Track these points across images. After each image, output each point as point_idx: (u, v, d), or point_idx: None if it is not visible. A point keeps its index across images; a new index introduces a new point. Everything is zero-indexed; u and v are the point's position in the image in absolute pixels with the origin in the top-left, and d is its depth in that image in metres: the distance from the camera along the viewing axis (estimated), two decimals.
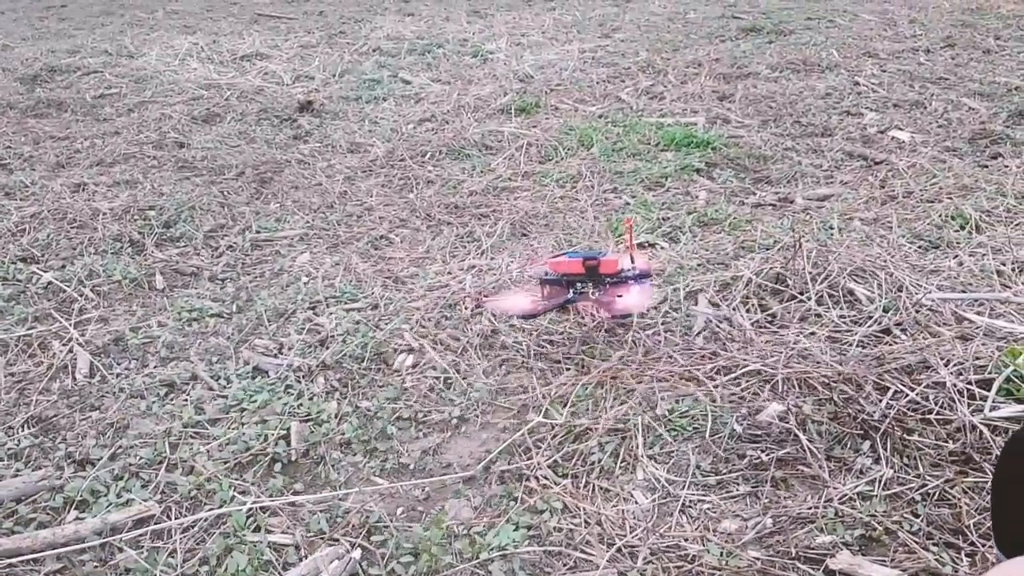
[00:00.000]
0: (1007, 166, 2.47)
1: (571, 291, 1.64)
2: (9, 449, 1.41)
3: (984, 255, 1.87)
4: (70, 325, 1.84)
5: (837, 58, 3.93)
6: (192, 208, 2.44)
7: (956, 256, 1.89)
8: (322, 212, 2.47)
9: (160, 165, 2.89)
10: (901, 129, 2.92)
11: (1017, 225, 2.07)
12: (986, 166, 2.53)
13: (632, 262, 1.61)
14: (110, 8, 6.70)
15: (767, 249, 1.99)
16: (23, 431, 1.47)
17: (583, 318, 1.75)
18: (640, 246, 2.07)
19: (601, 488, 1.29)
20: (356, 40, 4.85)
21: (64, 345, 1.77)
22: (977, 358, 1.44)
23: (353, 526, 1.22)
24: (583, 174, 2.66)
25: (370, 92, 3.73)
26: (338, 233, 2.33)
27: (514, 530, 1.19)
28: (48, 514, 1.25)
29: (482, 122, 3.27)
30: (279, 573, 1.14)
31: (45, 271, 2.09)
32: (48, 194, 2.58)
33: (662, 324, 1.71)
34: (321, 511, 1.25)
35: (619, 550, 1.17)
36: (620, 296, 1.60)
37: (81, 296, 1.97)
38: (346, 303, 1.89)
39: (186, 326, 1.83)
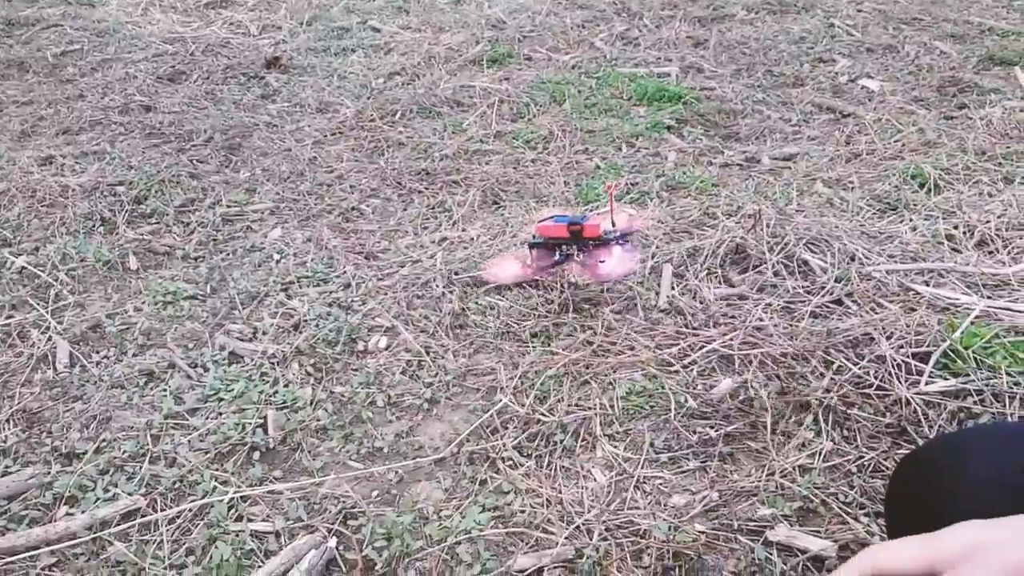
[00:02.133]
0: (971, 118, 2.49)
1: (557, 253, 1.73)
2: None
3: (938, 219, 1.93)
4: (47, 313, 1.87)
5: None
6: (162, 182, 2.44)
7: (911, 220, 1.94)
8: (292, 181, 2.48)
9: (128, 132, 2.86)
10: (871, 77, 2.92)
11: (975, 183, 2.12)
12: (952, 117, 2.56)
13: (613, 225, 1.68)
14: None
15: (730, 216, 2.04)
16: (10, 427, 1.53)
17: (551, 295, 1.81)
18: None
19: (563, 468, 1.37)
20: None
21: (43, 334, 1.81)
22: (919, 331, 1.51)
23: (330, 512, 1.30)
24: (555, 134, 2.66)
25: (339, 43, 3.66)
26: (309, 204, 2.35)
27: (480, 512, 1.28)
28: (39, 510, 1.32)
29: (454, 74, 3.23)
30: (261, 561, 1.22)
31: (18, 255, 2.11)
32: (15, 169, 2.56)
33: (626, 299, 1.77)
34: (299, 498, 1.33)
35: (577, 528, 1.26)
36: (603, 261, 1.68)
37: (56, 281, 1.99)
38: (318, 283, 1.93)
39: (161, 310, 1.87)
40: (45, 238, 2.19)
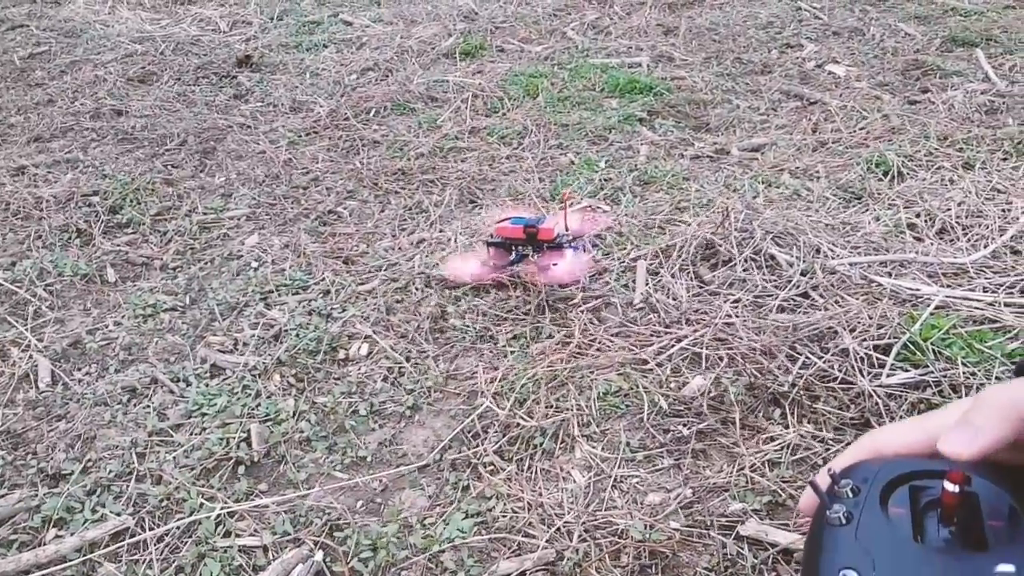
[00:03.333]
0: (933, 103, 2.54)
1: (513, 253, 1.81)
2: None
3: (900, 208, 1.97)
4: (27, 330, 1.88)
5: None
6: (137, 190, 2.43)
7: (874, 210, 1.99)
8: (267, 185, 2.48)
9: (100, 138, 2.84)
10: (838, 62, 2.96)
11: (936, 170, 2.16)
12: (916, 102, 2.60)
13: (567, 229, 1.76)
14: None
15: (700, 211, 2.07)
16: None
17: (529, 296, 1.84)
18: (588, 208, 2.15)
19: (543, 470, 1.41)
20: None
21: (23, 352, 1.81)
22: (881, 323, 1.56)
23: (316, 525, 1.33)
24: (529, 128, 2.68)
25: (310, 38, 3.63)
26: (285, 208, 2.35)
27: (463, 519, 1.31)
28: (29, 534, 1.34)
29: (427, 68, 3.23)
30: None
31: None
32: None
33: (601, 298, 1.80)
34: (285, 512, 1.36)
35: (558, 530, 1.30)
36: (555, 264, 1.77)
37: (35, 297, 1.99)
38: (297, 291, 1.95)
39: (142, 324, 1.88)
40: (21, 252, 2.19)
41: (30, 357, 1.79)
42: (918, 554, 0.32)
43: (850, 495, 0.35)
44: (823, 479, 0.36)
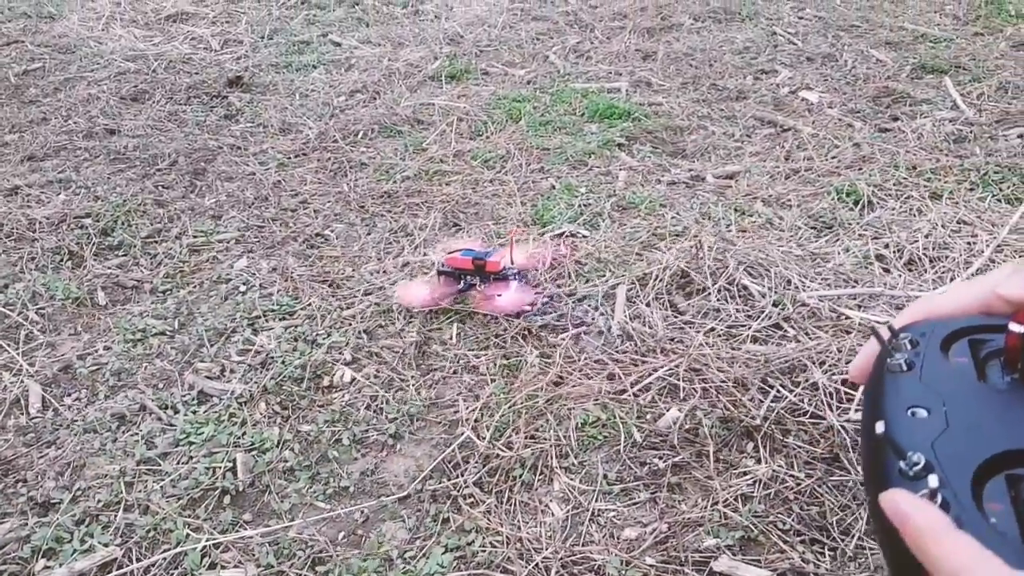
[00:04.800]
0: (903, 131, 2.61)
1: (461, 283, 1.95)
2: None
3: (869, 239, 2.03)
4: (18, 354, 1.91)
5: (758, 3, 3.97)
6: (129, 212, 2.47)
7: (843, 242, 2.05)
8: (257, 207, 2.52)
9: (92, 157, 2.88)
10: (811, 89, 3.02)
11: (905, 199, 2.22)
12: (886, 130, 2.67)
13: (512, 263, 1.92)
14: None
15: (677, 236, 2.13)
16: None
17: (507, 326, 1.88)
18: (557, 236, 2.21)
19: (522, 503, 1.46)
20: None
21: (14, 376, 1.85)
22: (849, 357, 1.61)
23: (299, 558, 1.37)
24: (511, 152, 2.73)
25: (300, 58, 3.68)
26: (274, 231, 2.40)
27: (443, 553, 1.36)
28: (18, 564, 1.38)
29: (414, 91, 3.28)
30: None
31: None
32: None
33: (580, 326, 1.85)
34: (269, 543, 1.40)
35: (536, 566, 1.34)
36: (499, 295, 1.90)
37: (27, 321, 2.03)
38: (283, 316, 1.99)
39: (131, 349, 1.92)
40: (14, 275, 2.22)
41: (21, 382, 1.83)
42: (985, 393, 0.32)
43: (909, 346, 0.35)
44: (883, 332, 0.36)
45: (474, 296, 1.96)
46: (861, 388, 1.50)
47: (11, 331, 2.01)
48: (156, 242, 2.37)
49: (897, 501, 0.29)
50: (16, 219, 2.45)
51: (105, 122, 3.14)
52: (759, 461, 1.48)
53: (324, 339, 1.89)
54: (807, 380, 1.58)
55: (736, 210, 2.23)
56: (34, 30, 4.25)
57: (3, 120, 3.22)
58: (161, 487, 1.51)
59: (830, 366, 1.60)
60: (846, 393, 1.55)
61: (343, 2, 4.41)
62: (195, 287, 2.16)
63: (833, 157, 2.47)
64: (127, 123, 3.13)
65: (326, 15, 4.25)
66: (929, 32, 3.43)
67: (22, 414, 1.74)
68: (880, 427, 0.32)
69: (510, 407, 1.64)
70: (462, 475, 1.50)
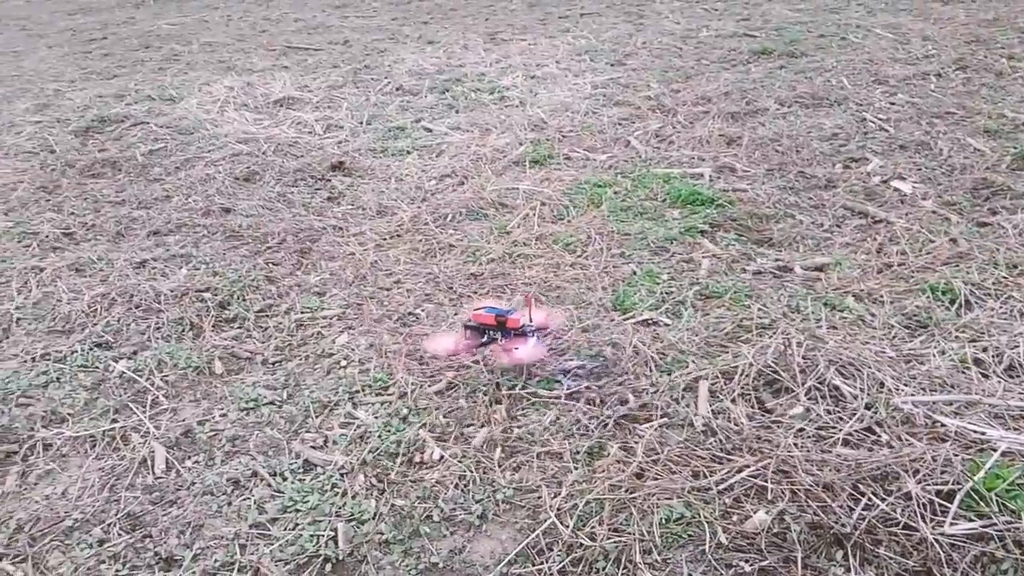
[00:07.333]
0: (1003, 227, 2.59)
1: (485, 336, 2.13)
2: (109, 551, 1.70)
3: (967, 341, 2.03)
4: (146, 418, 2.12)
5: (847, 87, 4.04)
6: (243, 287, 2.72)
7: (939, 344, 2.04)
8: (356, 286, 2.73)
9: (210, 234, 3.17)
10: (904, 179, 3.05)
11: (1006, 300, 2.21)
12: (985, 224, 2.66)
13: (531, 321, 2.11)
14: (147, 41, 7.00)
15: (764, 328, 2.18)
16: (115, 530, 1.76)
17: (592, 413, 1.98)
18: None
19: None
20: (380, 77, 5.07)
21: (142, 438, 2.05)
22: (944, 467, 1.62)
23: None
24: (592, 237, 2.87)
25: (395, 143, 3.96)
26: (371, 309, 2.58)
27: None
28: None
29: (499, 175, 3.49)
30: None
31: (118, 359, 2.38)
32: (114, 272, 2.88)
33: (664, 419, 1.93)
34: None
35: None
36: (517, 348, 2.08)
37: (153, 387, 2.25)
38: (379, 392, 2.15)
39: (245, 416, 2.11)
40: (142, 343, 2.47)
41: (148, 444, 2.03)
42: None
43: None
44: None
45: (495, 349, 2.14)
46: (956, 500, 1.49)
47: (140, 396, 2.24)
48: (267, 316, 2.59)
49: None
50: (144, 291, 2.73)
51: (221, 201, 3.46)
52: (848, 570, 1.49)
53: (414, 417, 2.03)
54: (899, 489, 1.59)
55: (826, 304, 2.27)
56: (157, 112, 4.71)
57: (132, 197, 3.59)
58: (271, 551, 1.65)
59: (924, 475, 1.61)
60: (940, 505, 1.55)
61: (434, 89, 4.73)
62: (302, 360, 2.35)
63: (927, 252, 2.47)
64: (241, 202, 3.44)
65: (418, 101, 4.56)
66: None
67: (149, 473, 1.94)
68: None
69: (593, 496, 1.72)
70: (546, 562, 1.58)
